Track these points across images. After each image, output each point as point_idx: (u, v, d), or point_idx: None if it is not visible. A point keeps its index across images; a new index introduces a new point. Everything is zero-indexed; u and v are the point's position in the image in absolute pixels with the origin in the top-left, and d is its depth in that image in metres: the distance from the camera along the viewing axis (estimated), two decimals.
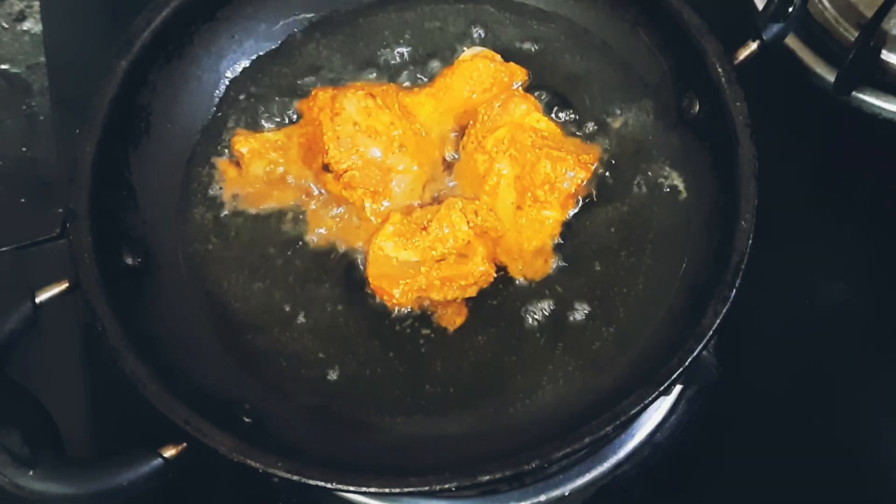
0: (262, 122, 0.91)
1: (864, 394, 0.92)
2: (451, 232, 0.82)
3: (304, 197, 0.87)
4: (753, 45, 0.82)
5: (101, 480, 0.71)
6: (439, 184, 0.87)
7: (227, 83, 0.93)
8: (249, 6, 0.93)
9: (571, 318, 0.81)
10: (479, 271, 0.81)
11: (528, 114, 0.86)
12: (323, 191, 0.87)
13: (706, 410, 0.92)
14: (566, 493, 0.89)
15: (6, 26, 1.17)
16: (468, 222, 0.82)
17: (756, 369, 0.94)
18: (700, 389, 0.93)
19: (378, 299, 0.82)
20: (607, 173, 0.86)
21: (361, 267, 0.83)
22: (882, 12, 0.92)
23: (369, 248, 0.83)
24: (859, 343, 0.93)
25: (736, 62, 0.81)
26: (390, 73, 0.92)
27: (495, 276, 0.82)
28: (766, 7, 0.83)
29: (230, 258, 0.86)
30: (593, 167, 0.85)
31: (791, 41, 1.02)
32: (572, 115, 0.88)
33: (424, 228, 0.83)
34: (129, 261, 0.82)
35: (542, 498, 0.88)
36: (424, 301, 0.82)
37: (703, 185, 0.83)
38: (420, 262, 0.82)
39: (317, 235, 0.86)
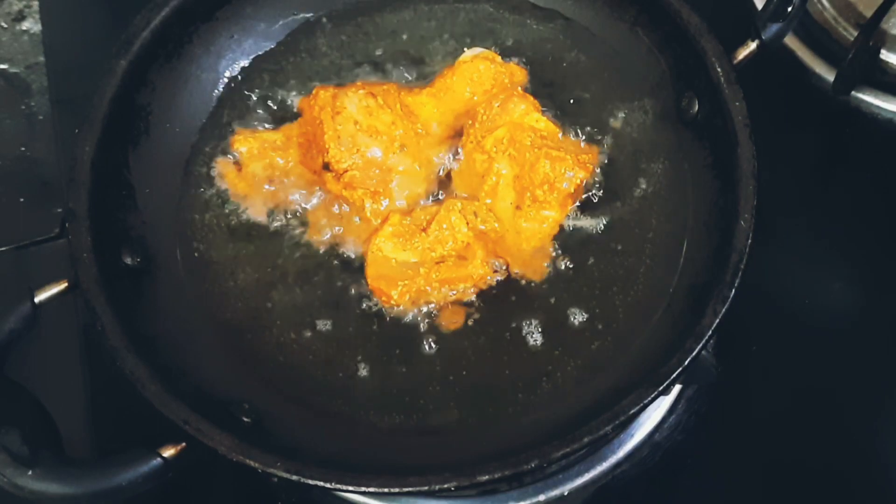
0: (262, 121, 0.91)
1: (863, 393, 0.91)
2: (450, 233, 0.82)
3: (303, 197, 0.87)
4: (753, 45, 0.82)
5: (101, 480, 0.71)
6: (439, 184, 0.87)
7: (227, 83, 0.93)
8: (248, 6, 0.93)
9: (571, 319, 0.81)
10: (478, 274, 0.81)
11: (527, 113, 0.86)
12: (323, 191, 0.87)
13: (705, 410, 0.92)
14: (565, 493, 0.89)
15: (5, 26, 1.17)
16: (467, 223, 0.82)
17: (755, 369, 0.94)
18: (699, 389, 0.93)
19: (377, 300, 0.82)
20: (606, 173, 0.86)
21: (361, 267, 0.84)
22: (881, 12, 0.93)
23: (368, 248, 0.83)
24: (859, 343, 0.93)
25: (735, 62, 0.81)
26: (390, 73, 0.92)
27: (494, 276, 0.82)
28: (765, 7, 0.83)
29: (230, 258, 0.86)
30: (592, 167, 0.85)
31: (790, 41, 1.02)
32: (571, 115, 0.88)
33: (424, 229, 0.82)
34: (129, 261, 0.82)
35: (542, 498, 0.88)
36: (423, 302, 0.82)
37: (703, 184, 0.83)
38: (419, 264, 0.82)
39: (316, 235, 0.86)
